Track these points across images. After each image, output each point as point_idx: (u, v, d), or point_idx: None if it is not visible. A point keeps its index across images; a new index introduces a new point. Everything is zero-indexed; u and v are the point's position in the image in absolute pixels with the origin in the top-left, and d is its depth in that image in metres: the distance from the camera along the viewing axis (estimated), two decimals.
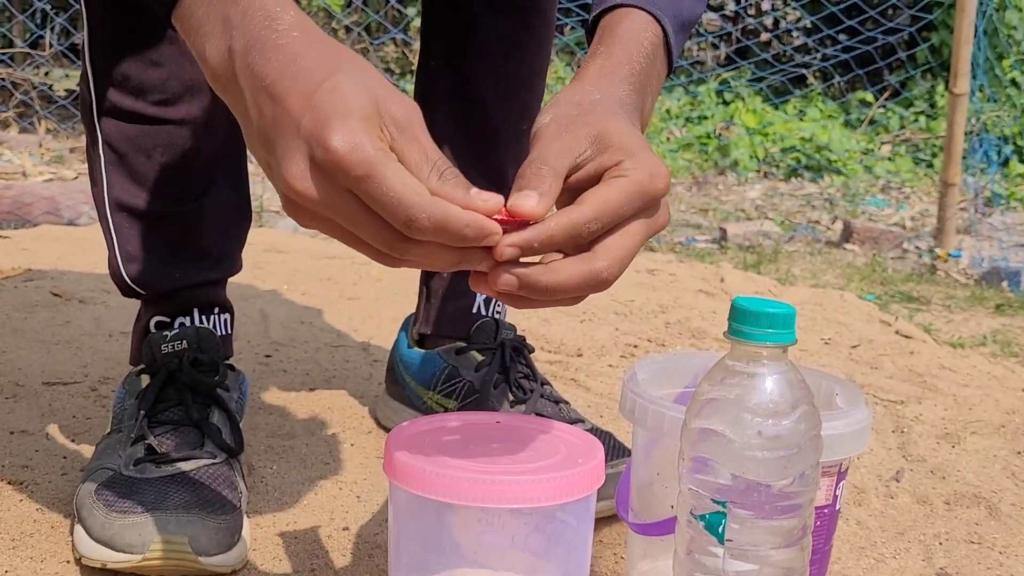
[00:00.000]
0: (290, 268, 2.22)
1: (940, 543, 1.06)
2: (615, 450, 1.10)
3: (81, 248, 2.27)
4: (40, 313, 1.75)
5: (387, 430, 1.28)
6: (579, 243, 0.69)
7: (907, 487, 1.20)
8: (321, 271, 2.20)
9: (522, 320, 1.81)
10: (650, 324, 1.88)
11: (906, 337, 1.99)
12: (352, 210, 0.64)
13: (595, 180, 0.71)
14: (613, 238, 0.70)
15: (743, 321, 0.69)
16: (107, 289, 1.87)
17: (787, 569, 0.71)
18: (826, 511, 0.83)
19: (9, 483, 1.09)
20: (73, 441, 1.22)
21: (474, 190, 0.66)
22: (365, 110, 0.64)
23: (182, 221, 1.09)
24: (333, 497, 1.10)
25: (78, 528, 0.95)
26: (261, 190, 3.54)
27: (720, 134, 5.60)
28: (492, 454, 0.80)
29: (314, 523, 1.04)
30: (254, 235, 2.61)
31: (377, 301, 1.94)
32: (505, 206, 0.67)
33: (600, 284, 0.69)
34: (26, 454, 1.17)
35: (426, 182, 0.65)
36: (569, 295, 0.69)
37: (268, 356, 1.58)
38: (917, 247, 3.72)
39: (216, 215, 1.11)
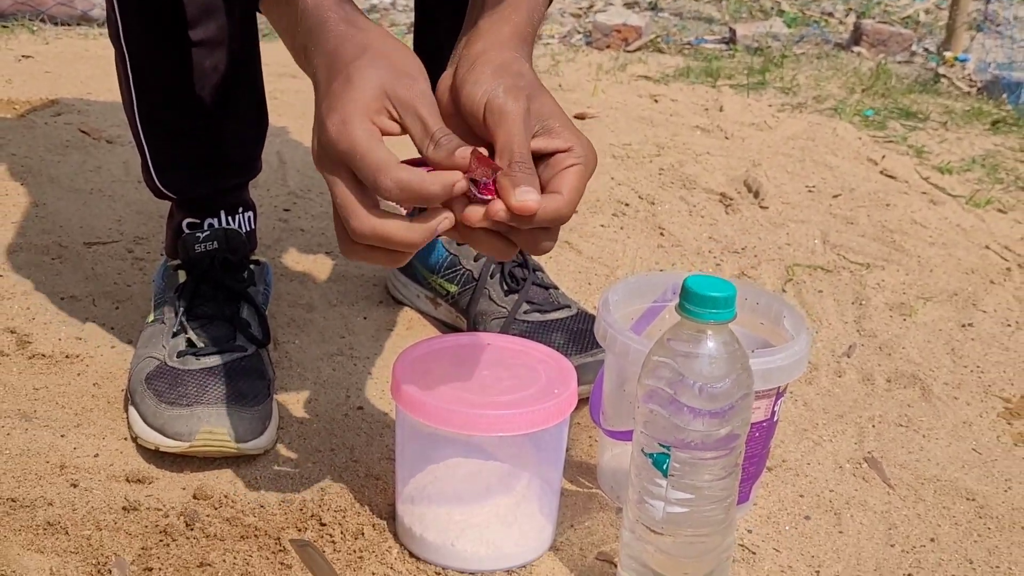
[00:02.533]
0: (304, 98, 2.31)
1: (873, 426, 1.23)
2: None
3: (103, 71, 2.35)
4: (72, 156, 1.88)
5: (395, 300, 1.43)
6: (553, 227, 0.82)
7: (855, 363, 1.36)
8: None
9: None
10: (644, 171, 2.00)
11: (890, 177, 2.10)
12: (343, 178, 0.77)
13: (539, 155, 0.83)
14: (571, 190, 0.82)
15: (691, 301, 0.83)
16: None
17: (721, 495, 0.87)
18: (764, 424, 0.99)
19: (67, 356, 1.25)
20: (117, 309, 1.37)
21: (460, 151, 0.76)
22: (366, 97, 0.77)
23: (206, 133, 1.20)
24: (348, 373, 1.26)
25: (132, 411, 1.12)
26: None
27: None
28: (483, 382, 0.96)
29: (332, 401, 1.21)
30: (268, 54, 2.68)
31: (392, 141, 2.05)
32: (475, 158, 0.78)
33: (564, 219, 0.82)
34: (77, 324, 1.33)
35: (425, 153, 0.78)
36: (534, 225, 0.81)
37: (287, 211, 1.72)
38: (926, 49, 3.74)
39: (236, 126, 1.22)
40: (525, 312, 1.28)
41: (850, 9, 4.36)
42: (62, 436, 1.11)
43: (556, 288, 1.32)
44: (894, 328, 1.46)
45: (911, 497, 1.10)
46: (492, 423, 0.91)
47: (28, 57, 2.50)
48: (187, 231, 1.23)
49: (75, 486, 1.04)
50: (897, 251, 1.72)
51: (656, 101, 2.50)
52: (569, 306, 1.30)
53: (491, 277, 1.30)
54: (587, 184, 0.85)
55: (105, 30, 1.21)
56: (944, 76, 3.27)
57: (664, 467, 0.85)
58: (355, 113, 0.76)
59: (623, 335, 0.98)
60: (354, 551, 0.97)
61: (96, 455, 1.09)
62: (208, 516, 1.00)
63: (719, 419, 0.83)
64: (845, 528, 1.05)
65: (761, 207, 1.87)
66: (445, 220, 0.78)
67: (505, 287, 1.29)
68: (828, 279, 1.60)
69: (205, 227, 1.23)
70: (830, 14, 4.29)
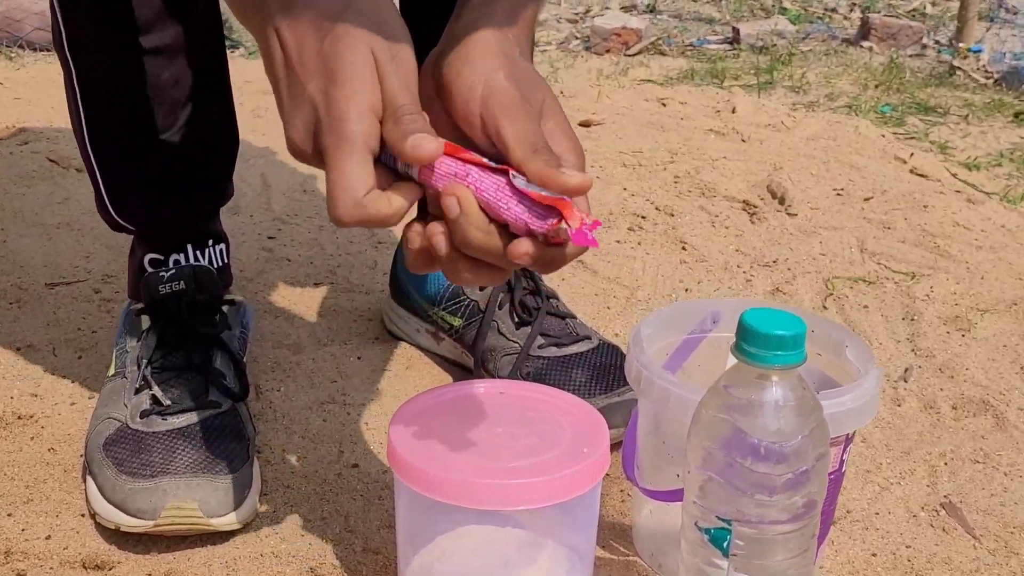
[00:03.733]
0: None
1: (945, 463, 1.07)
2: (623, 373, 1.09)
3: None
4: (38, 187, 1.73)
5: (393, 336, 1.27)
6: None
7: (915, 389, 1.20)
8: None
9: None
10: (659, 180, 1.84)
11: (921, 176, 1.95)
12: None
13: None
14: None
15: (751, 342, 0.67)
16: None
17: (795, 573, 0.71)
18: (832, 476, 0.83)
19: (19, 417, 1.10)
20: (80, 358, 1.22)
21: (414, 136, 0.63)
22: (361, 68, 0.65)
23: (167, 153, 1.05)
24: (342, 424, 1.11)
25: (90, 483, 0.96)
26: None
27: None
28: (497, 442, 0.80)
29: (323, 459, 1.05)
30: (252, 71, 2.54)
31: None
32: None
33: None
34: (34, 377, 1.17)
35: (383, 127, 0.65)
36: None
37: (271, 238, 1.56)
38: (937, 42, 3.59)
39: (201, 145, 1.07)
40: (540, 347, 1.12)
41: (854, 4, 4.22)
42: (9, 515, 0.96)
43: (573, 317, 1.17)
44: (953, 346, 1.30)
45: (1001, 551, 0.95)
46: (511, 495, 0.75)
47: None
48: (150, 269, 1.08)
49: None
50: (943, 257, 1.56)
51: (664, 105, 2.35)
52: (589, 337, 1.14)
53: (499, 308, 1.14)
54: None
55: None
56: (959, 68, 3.13)
57: (724, 545, 0.70)
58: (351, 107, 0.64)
59: (661, 378, 0.82)
60: None
61: (48, 537, 0.94)
62: None
63: (791, 485, 0.68)
64: None
65: (789, 214, 1.71)
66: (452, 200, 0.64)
67: (516, 319, 1.14)
68: (872, 292, 1.44)
69: (170, 264, 1.08)
70: (833, 10, 4.15)
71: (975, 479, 1.05)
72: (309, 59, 0.65)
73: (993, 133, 2.36)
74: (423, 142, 0.63)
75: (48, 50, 2.73)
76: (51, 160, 1.86)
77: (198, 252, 1.09)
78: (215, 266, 1.11)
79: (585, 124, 2.15)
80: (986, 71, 3.20)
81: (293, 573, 0.89)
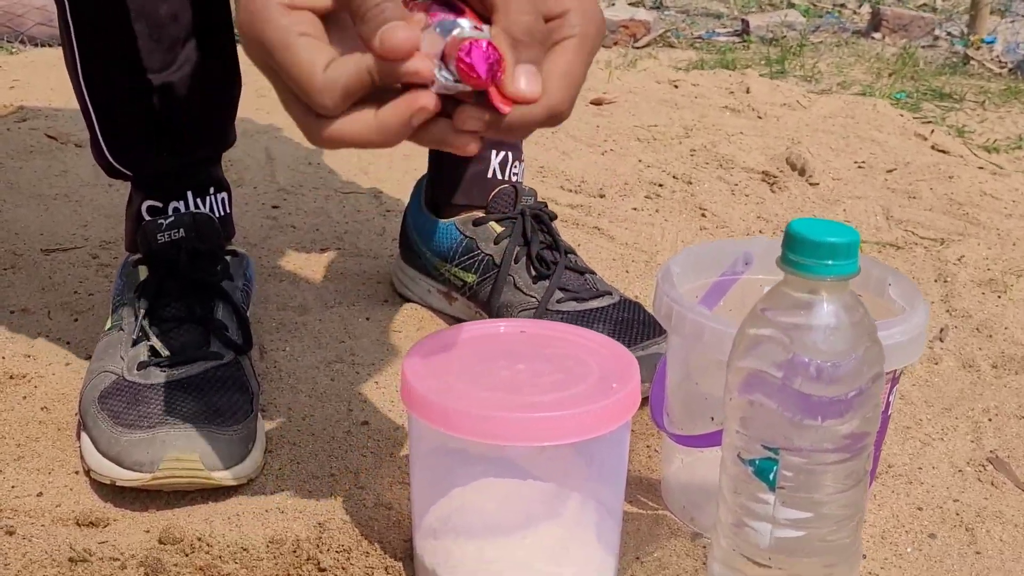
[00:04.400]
0: None
1: (989, 419, 1.01)
2: (647, 327, 1.03)
3: None
4: (36, 161, 1.67)
5: (403, 298, 1.22)
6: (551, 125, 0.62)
7: (952, 348, 1.14)
8: None
9: (540, 155, 1.72)
10: (674, 152, 1.79)
11: (942, 152, 1.90)
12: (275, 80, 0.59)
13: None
14: (561, 75, 0.61)
15: (800, 251, 0.61)
16: None
17: (846, 512, 0.65)
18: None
19: (11, 377, 1.04)
20: (76, 321, 1.16)
21: (384, 28, 0.56)
22: None
23: (164, 94, 0.99)
24: (350, 383, 1.05)
25: (84, 438, 0.90)
26: None
27: None
28: (518, 378, 0.74)
29: (331, 416, 0.99)
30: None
31: None
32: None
33: (559, 118, 0.62)
34: (28, 338, 1.12)
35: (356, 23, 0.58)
36: (526, 132, 0.62)
37: (275, 207, 1.51)
38: (949, 33, 3.54)
39: (201, 86, 1.01)
40: (559, 301, 1.06)
41: (862, 2, 4.18)
42: None
43: (593, 273, 1.11)
44: (989, 306, 1.24)
45: None
46: (532, 429, 0.69)
47: None
48: (148, 217, 1.02)
49: (11, 534, 0.82)
50: (972, 224, 1.50)
51: (676, 86, 2.30)
52: (610, 292, 1.08)
53: (515, 262, 1.09)
54: (587, 67, 0.63)
55: None
56: (973, 58, 3.08)
57: (771, 477, 0.64)
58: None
59: (694, 312, 0.77)
60: None
61: (39, 494, 0.88)
62: (176, 565, 0.79)
63: (844, 409, 0.62)
64: (983, 548, 0.83)
65: (810, 183, 1.65)
66: (420, 112, 0.58)
67: (533, 272, 1.08)
68: (901, 256, 1.38)
69: (169, 212, 1.02)
70: (843, 5, 4.11)
71: (1021, 435, 0.99)
72: None
73: (1011, 118, 2.31)
74: (393, 32, 0.56)
75: (51, 45, 2.68)
76: (49, 136, 1.80)
77: (198, 200, 1.04)
78: (217, 215, 1.05)
79: (597, 103, 2.10)
80: (1000, 61, 3.15)
81: (301, 529, 0.83)
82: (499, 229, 1.10)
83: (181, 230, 0.99)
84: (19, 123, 1.87)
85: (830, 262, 0.61)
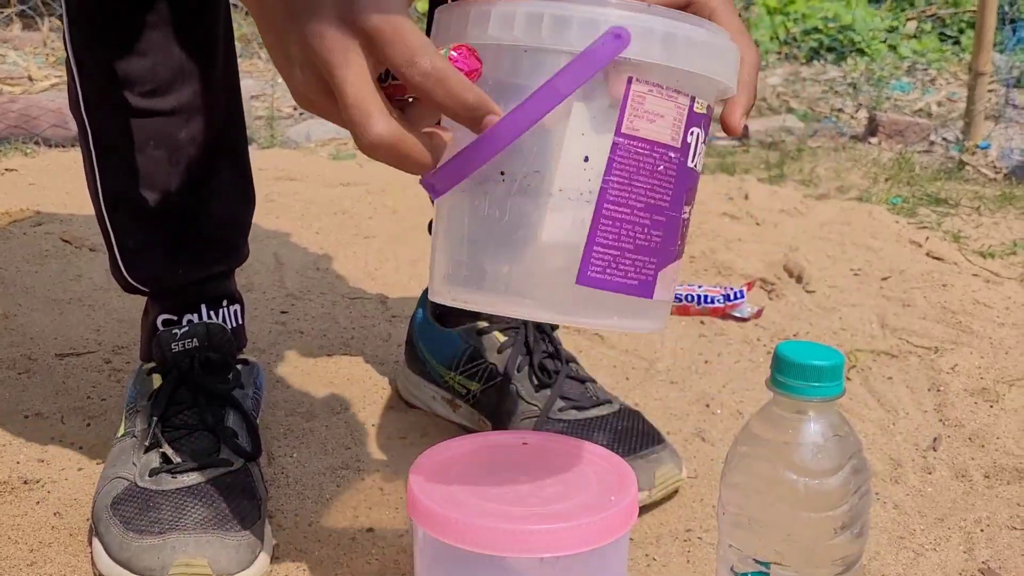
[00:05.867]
0: (303, 200, 2.17)
1: (981, 530, 1.03)
2: (646, 436, 1.06)
3: None
4: (51, 265, 1.72)
5: (408, 404, 1.25)
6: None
7: (945, 458, 1.17)
8: (335, 203, 2.14)
9: None
10: None
11: (937, 259, 1.94)
12: (356, 66, 0.60)
13: None
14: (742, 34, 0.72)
15: (787, 373, 0.65)
16: None
17: None
18: (672, 158, 0.65)
19: (25, 482, 1.07)
20: (88, 426, 1.19)
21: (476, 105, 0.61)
22: None
23: (182, 214, 1.04)
24: (356, 490, 1.07)
25: (96, 544, 0.93)
26: (271, 89, 3.46)
27: (740, 15, 5.44)
28: (519, 489, 0.77)
29: (337, 523, 1.01)
30: (265, 160, 2.56)
31: (394, 239, 1.90)
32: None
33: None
34: (41, 443, 1.15)
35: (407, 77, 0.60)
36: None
37: (284, 312, 1.55)
38: (944, 139, 3.62)
39: (218, 205, 1.06)
40: (560, 409, 1.09)
41: (860, 105, 4.28)
42: None
43: (593, 381, 1.14)
44: (981, 416, 1.27)
45: None
46: (533, 541, 0.72)
47: (12, 170, 2.37)
48: (162, 328, 1.06)
49: None
50: (965, 333, 1.53)
51: None
52: (610, 401, 1.11)
53: (518, 371, 1.12)
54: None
55: None
56: (968, 164, 3.14)
57: None
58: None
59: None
60: None
61: None
62: None
63: (832, 526, 0.65)
64: None
65: (807, 291, 1.69)
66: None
67: (535, 381, 1.11)
68: (895, 365, 1.41)
69: (184, 323, 1.06)
70: (840, 110, 4.20)
71: (1013, 545, 1.01)
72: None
73: (1006, 224, 2.36)
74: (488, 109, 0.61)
75: (64, 147, 2.75)
76: (64, 240, 1.85)
77: (212, 312, 1.07)
78: (230, 326, 1.09)
79: None
80: (995, 166, 3.22)
81: None
82: (502, 339, 1.14)
83: (195, 340, 1.02)
84: (35, 227, 1.92)
85: (816, 384, 0.64)
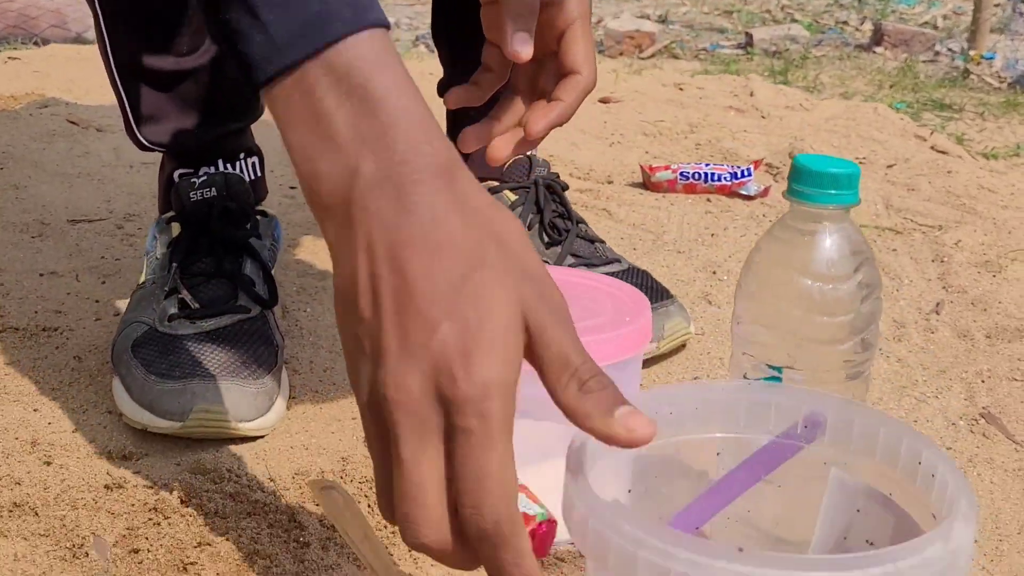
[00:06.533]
0: None
1: (982, 381, 1.05)
2: (655, 292, 1.08)
3: (95, 69, 2.19)
4: (58, 143, 1.72)
5: None
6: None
7: (947, 320, 1.19)
8: None
9: (550, 145, 1.77)
10: (680, 146, 1.84)
11: (942, 152, 1.94)
12: (432, 449, 0.49)
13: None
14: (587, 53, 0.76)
15: (804, 181, 0.66)
16: None
17: None
18: None
19: (44, 330, 1.09)
20: (104, 283, 1.21)
21: (621, 411, 0.50)
22: (511, 334, 0.49)
23: (195, 77, 1.04)
24: None
25: (117, 384, 0.95)
26: None
27: None
28: None
29: None
30: None
31: None
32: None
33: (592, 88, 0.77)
34: (58, 298, 1.16)
35: (563, 391, 0.51)
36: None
37: (293, 188, 1.55)
38: (950, 49, 3.60)
39: (228, 66, 1.06)
40: (570, 266, 1.11)
41: (865, 17, 4.24)
42: (35, 410, 0.94)
43: (602, 242, 1.16)
44: (984, 284, 1.28)
45: None
46: None
47: (15, 59, 2.35)
48: (179, 180, 1.06)
49: (48, 464, 0.87)
50: (969, 214, 1.55)
51: (681, 89, 2.35)
52: (619, 260, 1.13)
53: (528, 229, 1.13)
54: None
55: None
56: (972, 73, 3.13)
57: None
58: (510, 375, 0.49)
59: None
60: (384, 526, 0.79)
61: (75, 430, 0.92)
62: (208, 491, 0.83)
63: (844, 330, 0.66)
64: (973, 488, 0.87)
65: None
66: None
67: (546, 239, 1.13)
68: (900, 240, 1.43)
69: (200, 174, 1.07)
70: (845, 22, 4.17)
71: (1013, 394, 1.03)
72: (442, 294, 0.49)
73: (1010, 128, 2.36)
74: (639, 425, 0.50)
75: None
76: (71, 121, 1.85)
77: (229, 164, 1.08)
78: (248, 178, 1.10)
79: (604, 101, 2.15)
80: (999, 76, 3.21)
81: (325, 463, 0.88)
82: (513, 197, 1.15)
83: (213, 189, 1.03)
84: (41, 109, 1.92)
85: (832, 192, 0.65)
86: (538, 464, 0.81)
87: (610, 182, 1.62)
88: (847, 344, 0.67)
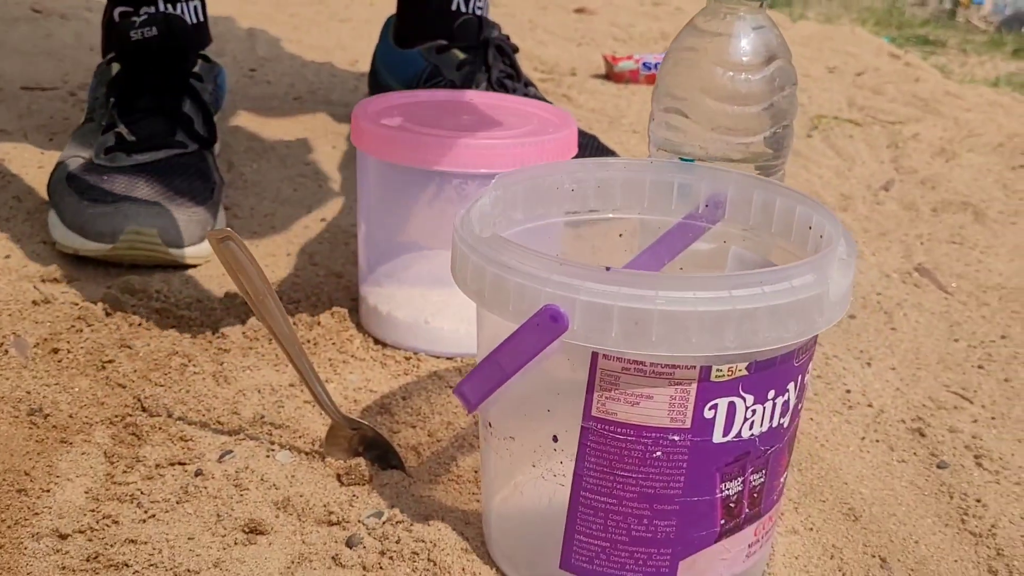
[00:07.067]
0: None
1: (921, 243, 1.05)
2: (598, 151, 1.08)
3: None
4: (20, 27, 1.71)
5: None
6: None
7: (895, 195, 1.19)
8: None
9: (517, 42, 1.76)
10: (649, 49, 1.83)
11: (914, 68, 1.94)
12: None
13: None
14: None
15: None
16: (89, 7, 1.81)
17: None
18: (677, 441, 0.50)
19: None
20: (51, 140, 1.20)
21: None
22: None
23: None
24: (312, 192, 1.09)
25: (52, 214, 0.94)
26: None
27: None
28: (462, 124, 0.78)
29: (292, 216, 1.03)
30: None
31: (368, 22, 1.88)
32: None
33: None
34: (3, 150, 1.15)
35: None
36: None
37: (252, 70, 1.54)
38: None
39: None
40: None
41: None
42: None
43: (550, 103, 1.15)
44: (936, 167, 1.28)
45: (972, 302, 0.93)
46: (473, 156, 0.74)
47: None
48: (119, 20, 1.06)
49: None
50: (931, 114, 1.54)
51: (658, 4, 2.33)
52: None
53: (476, 86, 1.13)
54: None
55: None
56: (960, 15, 3.13)
57: None
58: None
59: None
60: (308, 340, 0.79)
61: (7, 256, 0.92)
62: (134, 306, 0.83)
63: (756, 121, 0.66)
64: (898, 326, 0.87)
65: None
66: None
67: None
68: (859, 132, 1.42)
69: (141, 13, 1.06)
70: None
71: (950, 254, 1.03)
72: None
73: (992, 64, 2.35)
74: None
75: None
76: (35, 10, 1.84)
77: (169, 5, 1.07)
78: (190, 21, 1.09)
79: (579, 11, 2.14)
80: (987, 20, 3.20)
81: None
82: (462, 56, 1.14)
83: (154, 28, 1.02)
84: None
85: None
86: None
87: (573, 74, 1.62)
88: (758, 136, 0.66)
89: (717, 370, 0.49)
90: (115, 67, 1.03)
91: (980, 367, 0.81)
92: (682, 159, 0.67)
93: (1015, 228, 1.11)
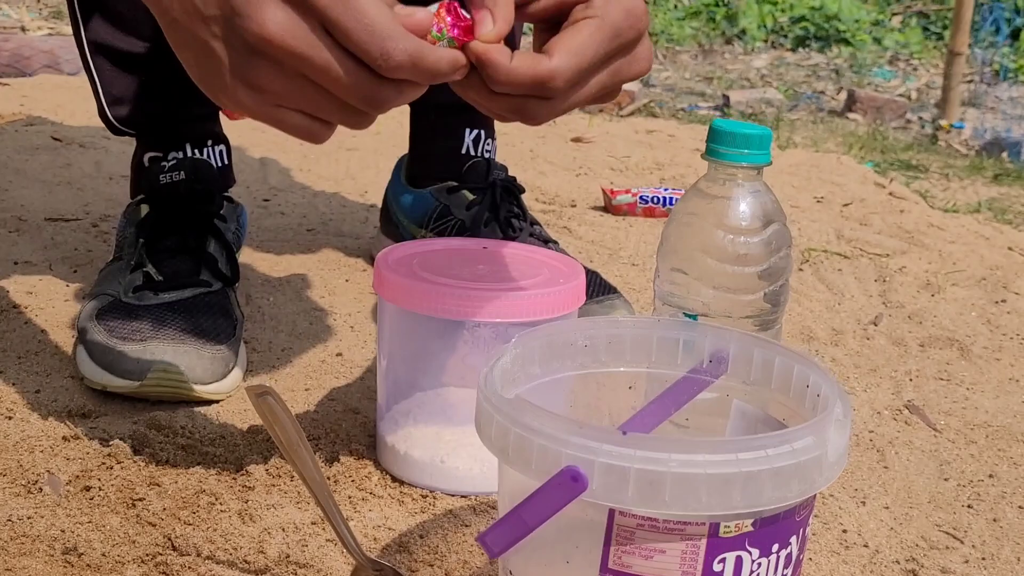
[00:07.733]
0: None
1: (911, 379, 1.10)
2: (602, 287, 1.13)
3: (81, 96, 2.26)
4: (41, 156, 1.77)
5: None
6: (544, 95, 0.63)
7: (884, 330, 1.24)
8: None
9: (518, 173, 1.83)
10: (646, 180, 1.90)
11: (899, 199, 2.01)
12: (326, 55, 0.59)
13: (557, 10, 0.65)
14: (565, 49, 0.63)
15: (720, 142, 0.71)
16: (107, 136, 1.88)
17: None
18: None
19: (14, 307, 1.13)
20: (75, 272, 1.25)
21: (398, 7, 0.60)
22: None
23: (165, 60, 1.09)
24: (328, 327, 1.14)
25: (80, 349, 0.99)
26: None
27: (729, 1, 5.51)
28: (477, 274, 0.83)
29: (308, 350, 1.08)
30: None
31: (375, 152, 1.96)
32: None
33: (548, 88, 0.62)
34: (30, 282, 1.21)
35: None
36: (515, 88, 0.62)
37: (266, 200, 1.61)
38: (920, 117, 3.70)
39: None
40: None
41: (841, 87, 4.36)
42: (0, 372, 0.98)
43: (556, 243, 1.21)
44: (922, 301, 1.34)
45: (961, 440, 0.97)
46: (489, 307, 0.79)
47: (5, 84, 2.42)
48: (148, 165, 1.12)
49: (9, 419, 0.91)
50: (916, 246, 1.61)
51: (650, 132, 2.42)
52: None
53: (484, 226, 1.19)
54: (607, 52, 0.64)
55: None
56: (941, 139, 3.23)
57: None
58: None
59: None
60: (329, 477, 0.83)
61: (38, 391, 0.96)
62: (160, 443, 0.87)
63: (755, 281, 0.71)
64: (890, 464, 0.92)
65: None
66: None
67: (499, 235, 1.18)
68: (847, 264, 1.49)
69: (169, 159, 1.12)
70: (822, 92, 4.29)
71: (938, 391, 1.08)
72: None
73: (974, 188, 2.43)
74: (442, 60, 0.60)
75: None
76: (55, 139, 1.91)
77: (196, 151, 1.13)
78: (216, 165, 1.15)
79: (576, 140, 2.22)
80: (967, 144, 3.30)
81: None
82: (471, 197, 1.21)
83: (182, 172, 1.09)
84: (27, 127, 1.98)
85: (745, 151, 0.71)
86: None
87: (573, 206, 1.68)
88: (757, 294, 0.72)
89: (725, 526, 0.53)
90: (144, 208, 1.09)
91: (969, 506, 0.85)
92: (686, 315, 0.73)
93: (999, 364, 1.16)
